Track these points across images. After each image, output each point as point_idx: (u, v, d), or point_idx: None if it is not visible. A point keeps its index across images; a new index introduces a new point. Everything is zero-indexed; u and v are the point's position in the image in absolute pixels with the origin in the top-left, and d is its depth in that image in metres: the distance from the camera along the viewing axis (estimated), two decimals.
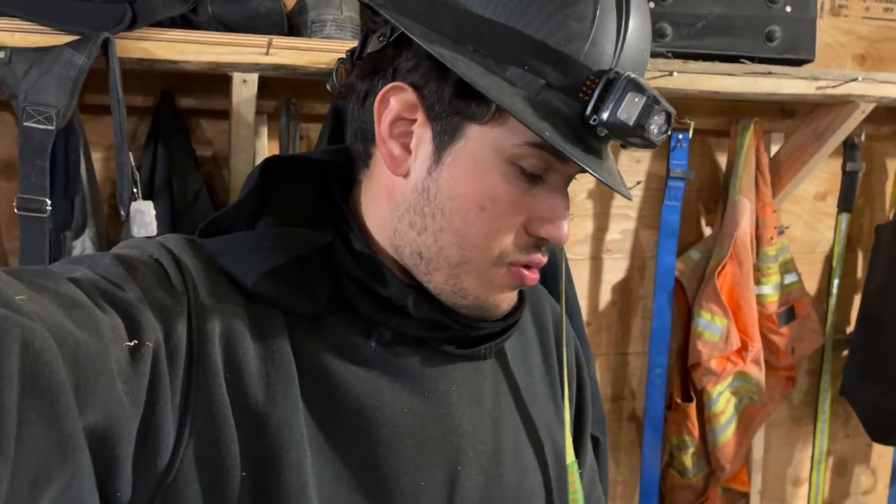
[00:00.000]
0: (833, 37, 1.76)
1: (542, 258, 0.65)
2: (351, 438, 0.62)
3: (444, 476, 0.65)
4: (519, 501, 0.70)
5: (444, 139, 0.61)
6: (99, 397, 0.47)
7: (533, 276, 0.66)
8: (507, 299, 0.67)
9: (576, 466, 0.75)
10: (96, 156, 1.29)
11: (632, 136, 0.59)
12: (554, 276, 1.18)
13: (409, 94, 0.61)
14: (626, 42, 0.60)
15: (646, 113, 0.58)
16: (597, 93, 0.58)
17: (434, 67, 0.60)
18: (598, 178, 0.59)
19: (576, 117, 0.59)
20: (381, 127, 0.63)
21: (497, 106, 0.59)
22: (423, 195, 0.63)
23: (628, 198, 0.64)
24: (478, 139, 0.60)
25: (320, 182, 0.69)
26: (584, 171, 0.61)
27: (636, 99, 0.58)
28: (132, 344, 0.51)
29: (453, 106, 0.60)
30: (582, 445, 0.82)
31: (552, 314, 0.81)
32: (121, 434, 0.49)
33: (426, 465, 0.64)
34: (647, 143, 0.60)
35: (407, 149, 0.63)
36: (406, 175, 0.63)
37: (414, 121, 0.62)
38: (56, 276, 0.52)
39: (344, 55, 0.70)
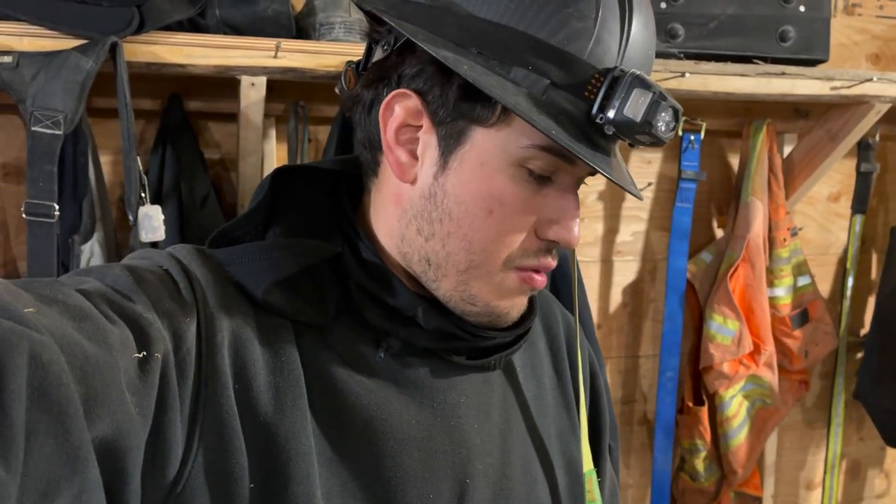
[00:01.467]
0: (847, 36, 1.74)
1: (551, 262, 0.65)
2: (358, 450, 0.62)
3: (452, 489, 0.65)
4: None
5: (449, 143, 0.61)
6: (108, 409, 0.47)
7: (542, 280, 0.65)
8: (517, 306, 0.67)
9: (594, 475, 0.74)
10: (105, 159, 1.29)
11: (639, 133, 0.59)
12: (567, 284, 1.17)
13: (414, 101, 0.61)
14: (631, 39, 0.60)
15: (652, 109, 0.58)
16: (602, 91, 0.58)
17: (438, 72, 0.60)
18: (607, 177, 0.59)
19: (582, 116, 0.59)
20: (387, 134, 0.63)
21: (502, 108, 0.58)
22: (430, 200, 0.62)
23: (639, 197, 0.64)
24: (484, 142, 0.60)
25: (330, 192, 0.68)
26: (593, 171, 0.61)
27: (642, 96, 0.57)
28: (141, 355, 0.51)
29: (458, 110, 0.60)
30: (600, 457, 0.81)
31: (564, 324, 0.80)
32: (129, 446, 0.49)
33: (434, 478, 0.64)
34: (656, 141, 0.60)
35: (413, 155, 0.63)
36: (413, 182, 0.63)
37: (420, 127, 0.62)
38: (65, 288, 0.51)
39: (352, 58, 0.69)
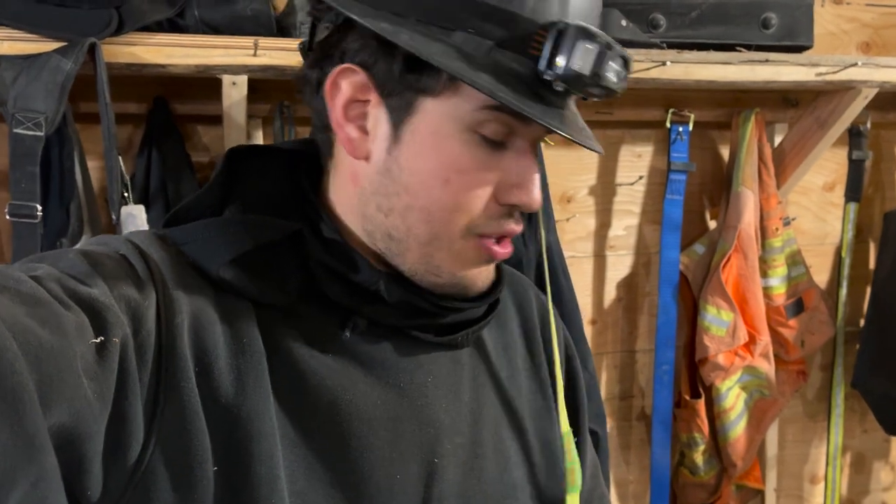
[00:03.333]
0: (836, 25, 1.74)
1: (514, 227, 0.64)
2: (324, 431, 0.61)
3: (421, 469, 0.64)
4: (500, 494, 0.68)
5: (400, 116, 0.61)
6: (64, 396, 0.46)
7: (504, 251, 0.64)
8: (483, 276, 0.66)
9: (570, 435, 0.73)
10: (92, 164, 1.30)
11: (589, 85, 0.58)
12: (540, 268, 1.17)
13: (360, 75, 0.61)
14: None
15: (600, 60, 0.57)
16: (547, 46, 0.57)
17: (381, 45, 0.59)
18: (558, 132, 0.58)
19: (530, 74, 0.58)
20: (335, 112, 0.62)
21: (448, 75, 0.58)
22: (385, 176, 0.62)
23: (598, 151, 0.62)
24: (433, 111, 0.60)
25: (288, 172, 0.68)
26: (549, 131, 0.60)
27: (588, 46, 0.57)
28: (98, 340, 0.50)
29: (404, 81, 0.60)
30: (580, 437, 0.80)
31: (537, 304, 0.80)
32: (88, 433, 0.49)
33: (401, 459, 0.63)
34: (608, 91, 0.59)
35: (364, 130, 0.62)
36: (367, 158, 0.63)
37: (367, 101, 0.62)
38: (17, 275, 0.50)
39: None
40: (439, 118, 0.60)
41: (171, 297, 0.57)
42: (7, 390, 0.42)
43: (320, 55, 0.64)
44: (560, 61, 0.56)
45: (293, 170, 0.68)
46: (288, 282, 0.62)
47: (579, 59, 0.56)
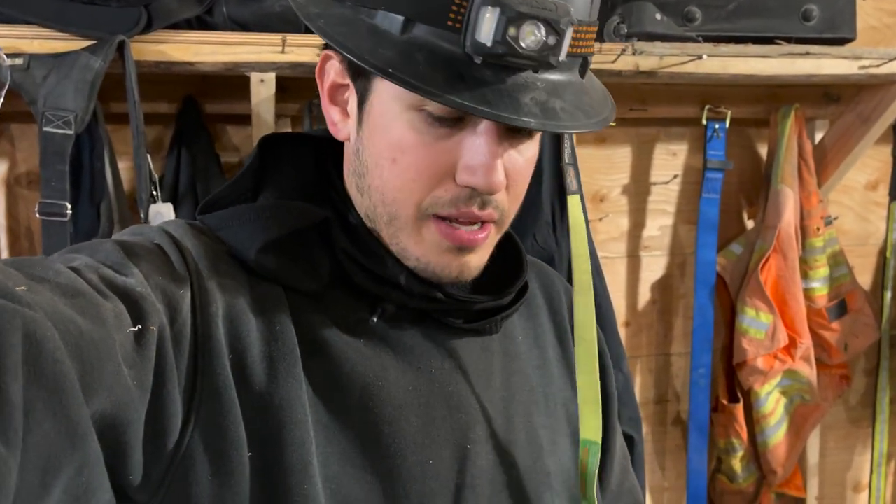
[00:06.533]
0: (878, 19, 1.69)
1: (475, 211, 0.60)
2: (356, 417, 0.61)
3: (453, 454, 0.64)
4: (534, 482, 0.67)
5: (362, 97, 0.61)
6: (105, 384, 0.47)
7: (472, 237, 0.61)
8: (454, 265, 0.63)
9: (590, 446, 0.71)
10: (122, 164, 1.30)
11: (507, 56, 0.53)
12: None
13: (335, 61, 0.62)
14: None
15: (502, 27, 0.51)
16: (467, 18, 0.53)
17: None
18: (465, 110, 0.53)
19: (458, 50, 0.54)
20: (322, 95, 0.64)
21: None
22: (356, 156, 0.63)
23: (536, 128, 0.55)
24: (381, 92, 0.59)
25: (318, 159, 0.69)
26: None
27: (490, 14, 0.51)
28: (136, 329, 0.51)
29: (360, 64, 0.59)
30: (610, 430, 0.79)
31: (566, 297, 0.79)
32: (129, 419, 0.49)
33: (434, 444, 0.63)
34: (538, 63, 0.54)
35: (346, 113, 0.64)
36: (347, 139, 0.64)
37: (347, 85, 0.63)
38: (56, 266, 0.51)
39: None
40: (385, 98, 0.60)
41: (205, 286, 0.58)
42: (49, 379, 0.42)
43: (322, 42, 0.65)
44: (469, 33, 0.53)
45: (323, 157, 0.69)
46: (319, 269, 0.63)
47: (482, 28, 0.52)
